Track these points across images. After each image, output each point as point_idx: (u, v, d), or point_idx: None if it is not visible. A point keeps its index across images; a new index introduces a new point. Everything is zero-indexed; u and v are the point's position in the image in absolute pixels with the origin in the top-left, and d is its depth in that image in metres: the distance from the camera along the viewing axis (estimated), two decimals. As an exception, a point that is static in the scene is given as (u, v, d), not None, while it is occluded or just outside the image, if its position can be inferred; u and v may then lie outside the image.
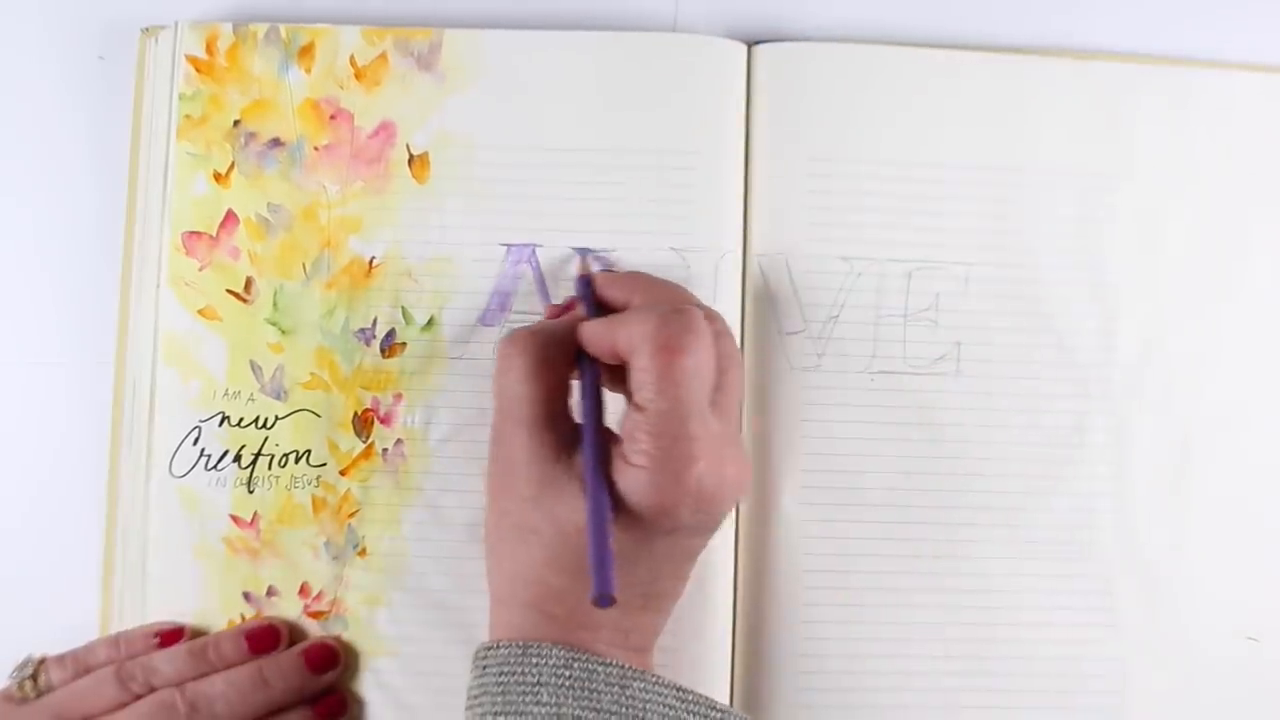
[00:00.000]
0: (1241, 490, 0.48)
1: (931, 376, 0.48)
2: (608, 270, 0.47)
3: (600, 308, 0.43)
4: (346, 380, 0.48)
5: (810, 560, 0.47)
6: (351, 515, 0.48)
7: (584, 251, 0.48)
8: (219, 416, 0.48)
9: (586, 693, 0.37)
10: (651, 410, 0.37)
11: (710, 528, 0.39)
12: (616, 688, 0.38)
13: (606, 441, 0.39)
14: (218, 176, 0.48)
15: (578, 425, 0.40)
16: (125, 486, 0.48)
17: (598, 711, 0.37)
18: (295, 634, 0.47)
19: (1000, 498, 0.48)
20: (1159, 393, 0.48)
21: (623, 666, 0.38)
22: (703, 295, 0.47)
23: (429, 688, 0.47)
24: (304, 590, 0.47)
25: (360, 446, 0.48)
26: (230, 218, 0.48)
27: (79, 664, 0.46)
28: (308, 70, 0.48)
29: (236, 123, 0.48)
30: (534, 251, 0.48)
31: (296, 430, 0.48)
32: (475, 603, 0.47)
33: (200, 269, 0.48)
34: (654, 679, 0.38)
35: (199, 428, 0.48)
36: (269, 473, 0.48)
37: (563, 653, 0.38)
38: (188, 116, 0.48)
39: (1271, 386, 0.49)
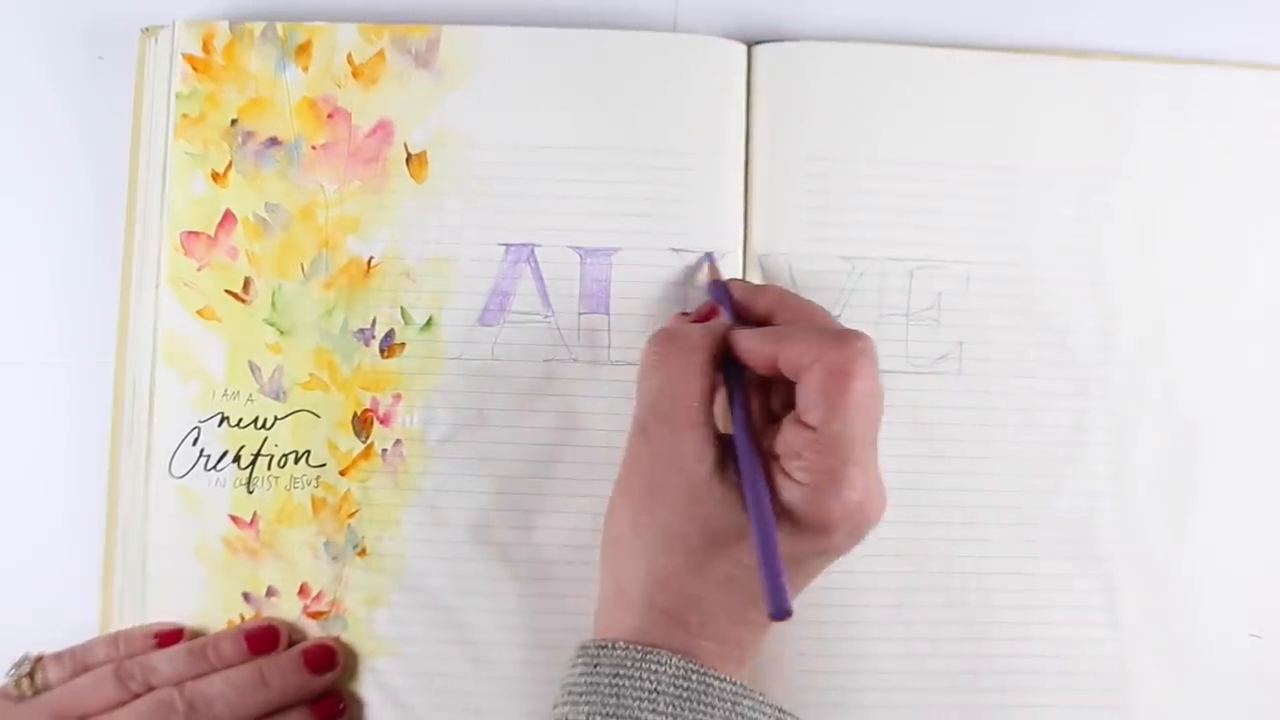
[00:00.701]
0: (1242, 488, 0.48)
1: (934, 375, 0.48)
2: (739, 280, 0.47)
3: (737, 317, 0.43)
4: (345, 381, 0.48)
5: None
6: (351, 516, 0.48)
7: (709, 257, 0.47)
8: (218, 417, 0.48)
9: (702, 706, 0.37)
10: (824, 431, 0.37)
11: (847, 550, 0.40)
12: (729, 704, 0.38)
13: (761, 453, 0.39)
14: (215, 176, 0.48)
15: (724, 435, 0.40)
16: (125, 487, 0.48)
17: None
18: (295, 635, 0.47)
19: (1001, 496, 0.48)
20: (1159, 391, 0.48)
21: (735, 683, 0.38)
22: (702, 296, 0.47)
23: (429, 688, 0.47)
24: (303, 591, 0.47)
25: (359, 447, 0.48)
26: (228, 217, 0.48)
27: (77, 662, 0.46)
28: (305, 68, 0.48)
29: (234, 122, 0.48)
30: (533, 251, 0.48)
31: (296, 431, 0.48)
32: (475, 603, 0.47)
33: (199, 269, 0.48)
34: (760, 697, 0.39)
35: (198, 428, 0.47)
36: (268, 473, 0.48)
37: (681, 663, 0.38)
38: (185, 115, 0.48)
39: (1271, 384, 0.49)
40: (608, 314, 0.48)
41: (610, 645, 0.39)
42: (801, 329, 0.40)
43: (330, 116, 0.48)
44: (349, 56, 0.48)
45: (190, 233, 0.48)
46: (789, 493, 0.38)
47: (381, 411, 0.48)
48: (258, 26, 0.48)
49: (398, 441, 0.48)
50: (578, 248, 0.48)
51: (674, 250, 0.47)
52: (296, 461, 0.48)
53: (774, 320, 0.42)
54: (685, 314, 0.46)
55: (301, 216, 0.48)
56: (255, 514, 0.47)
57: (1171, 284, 0.49)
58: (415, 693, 0.47)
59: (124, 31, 0.50)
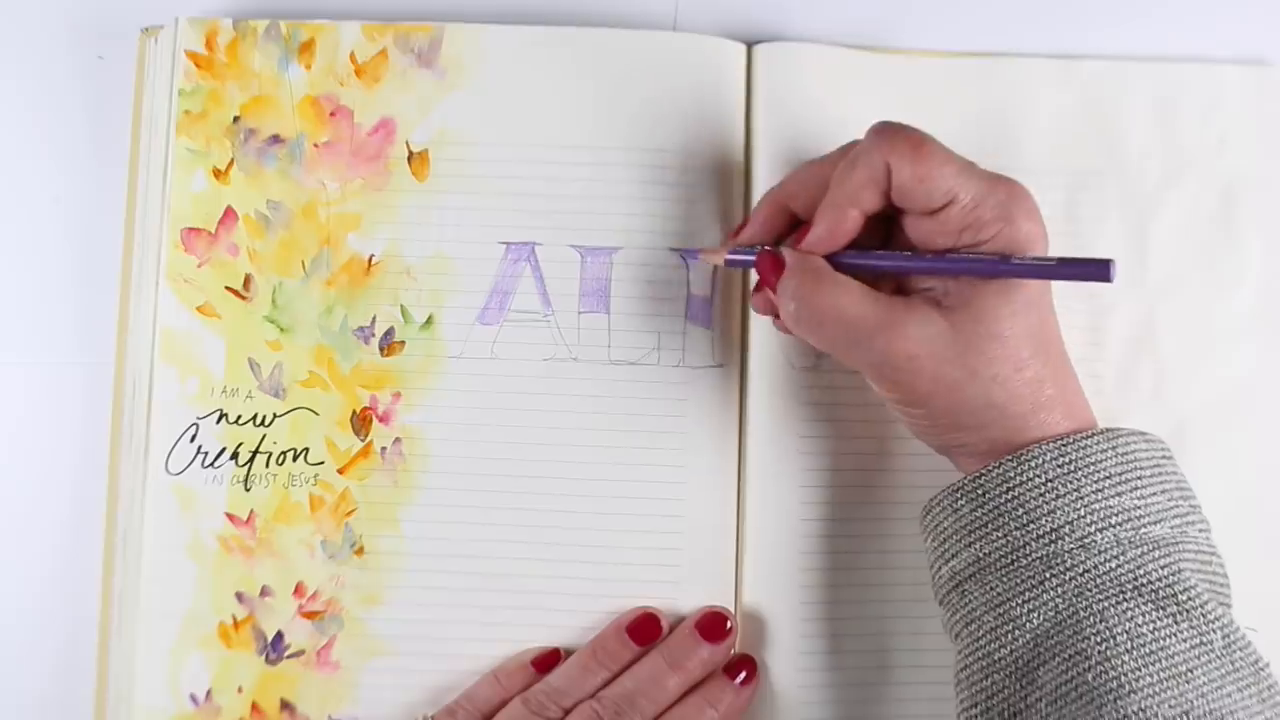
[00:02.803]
0: (1234, 483, 0.48)
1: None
2: (738, 231, 0.46)
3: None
4: (345, 378, 0.48)
5: (813, 558, 0.47)
6: (349, 514, 0.47)
7: (693, 254, 0.48)
8: (217, 414, 0.47)
9: (1090, 468, 0.38)
10: (961, 189, 0.39)
11: None
12: (1110, 451, 0.38)
13: None
14: (217, 173, 0.48)
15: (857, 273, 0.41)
16: (124, 484, 0.48)
17: (1108, 479, 0.38)
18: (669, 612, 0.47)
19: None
20: (1149, 389, 0.49)
21: (1103, 430, 0.39)
22: (703, 295, 0.47)
23: (426, 687, 0.47)
24: (299, 590, 0.47)
25: (358, 445, 0.48)
26: (229, 214, 0.48)
27: (470, 711, 0.45)
28: (308, 66, 0.48)
29: (236, 119, 0.48)
30: (533, 250, 0.48)
31: (294, 428, 0.47)
32: (473, 602, 0.47)
33: (199, 266, 0.48)
34: (1124, 431, 0.39)
35: (196, 425, 0.47)
36: (266, 471, 0.47)
37: (1054, 445, 0.38)
38: (187, 112, 0.48)
39: (1260, 380, 0.49)
40: (608, 313, 0.48)
41: (986, 471, 0.39)
42: (841, 179, 0.41)
43: (333, 115, 0.48)
44: (352, 55, 0.48)
45: (191, 229, 0.48)
46: (991, 247, 0.39)
47: (381, 410, 0.48)
48: (261, 24, 0.48)
49: (397, 440, 0.47)
50: (578, 247, 0.48)
51: (675, 250, 0.48)
52: (295, 459, 0.47)
53: (798, 212, 0.43)
54: (756, 290, 0.45)
55: (303, 214, 0.48)
56: (252, 512, 0.47)
57: (1161, 282, 0.49)
58: (412, 692, 0.47)
59: (124, 31, 0.50)
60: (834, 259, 0.41)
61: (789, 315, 0.41)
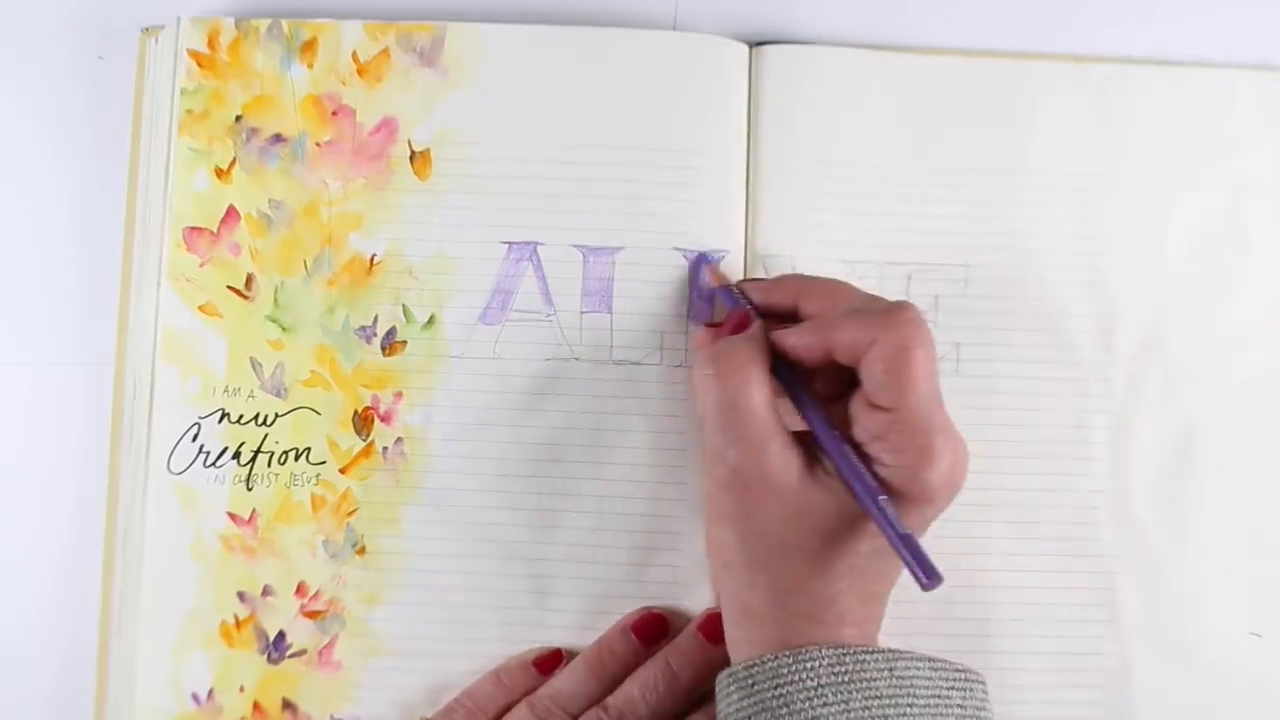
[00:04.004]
0: (1243, 487, 0.48)
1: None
2: (751, 281, 0.47)
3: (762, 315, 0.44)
4: (347, 378, 0.48)
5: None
6: (351, 514, 0.47)
7: (706, 258, 0.47)
8: (219, 413, 0.47)
9: (864, 683, 0.38)
10: (900, 410, 0.38)
11: (946, 507, 0.40)
12: (886, 671, 0.38)
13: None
14: (219, 172, 0.48)
15: (797, 432, 0.41)
16: (124, 484, 0.48)
17: (879, 699, 0.37)
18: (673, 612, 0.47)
19: (1001, 495, 0.48)
20: (1159, 392, 0.49)
21: (885, 650, 0.39)
22: (704, 295, 0.47)
23: (427, 687, 0.47)
24: (301, 590, 0.47)
25: (360, 445, 0.48)
26: (231, 214, 0.48)
27: (471, 710, 0.45)
28: (310, 66, 0.48)
29: (238, 118, 0.48)
30: (535, 249, 0.48)
31: (296, 428, 0.47)
32: (474, 601, 0.47)
33: (201, 265, 0.48)
34: (910, 655, 0.39)
35: (198, 424, 0.47)
36: (268, 470, 0.47)
37: (832, 652, 0.38)
38: (189, 111, 0.48)
39: (1270, 384, 0.49)
40: (610, 313, 0.48)
41: (760, 661, 0.39)
42: (845, 315, 0.40)
43: (335, 114, 0.48)
44: (354, 54, 0.48)
45: (193, 228, 0.48)
46: (884, 473, 0.39)
47: (382, 409, 0.48)
48: (263, 23, 0.48)
49: (398, 440, 0.47)
50: (580, 246, 0.48)
51: (676, 250, 0.48)
52: (297, 459, 0.47)
53: (802, 308, 0.43)
54: (713, 324, 0.46)
55: (305, 213, 0.48)
56: (254, 511, 0.47)
57: (1171, 285, 0.49)
58: (414, 692, 0.47)
59: (124, 31, 0.50)
60: (777, 360, 0.42)
61: (701, 371, 0.41)
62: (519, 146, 0.48)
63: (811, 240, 0.48)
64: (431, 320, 0.48)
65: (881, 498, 0.38)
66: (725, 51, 0.49)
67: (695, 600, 0.47)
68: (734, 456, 0.40)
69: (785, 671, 0.38)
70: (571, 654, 0.46)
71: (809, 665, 0.38)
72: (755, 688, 0.38)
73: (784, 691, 0.38)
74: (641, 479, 0.47)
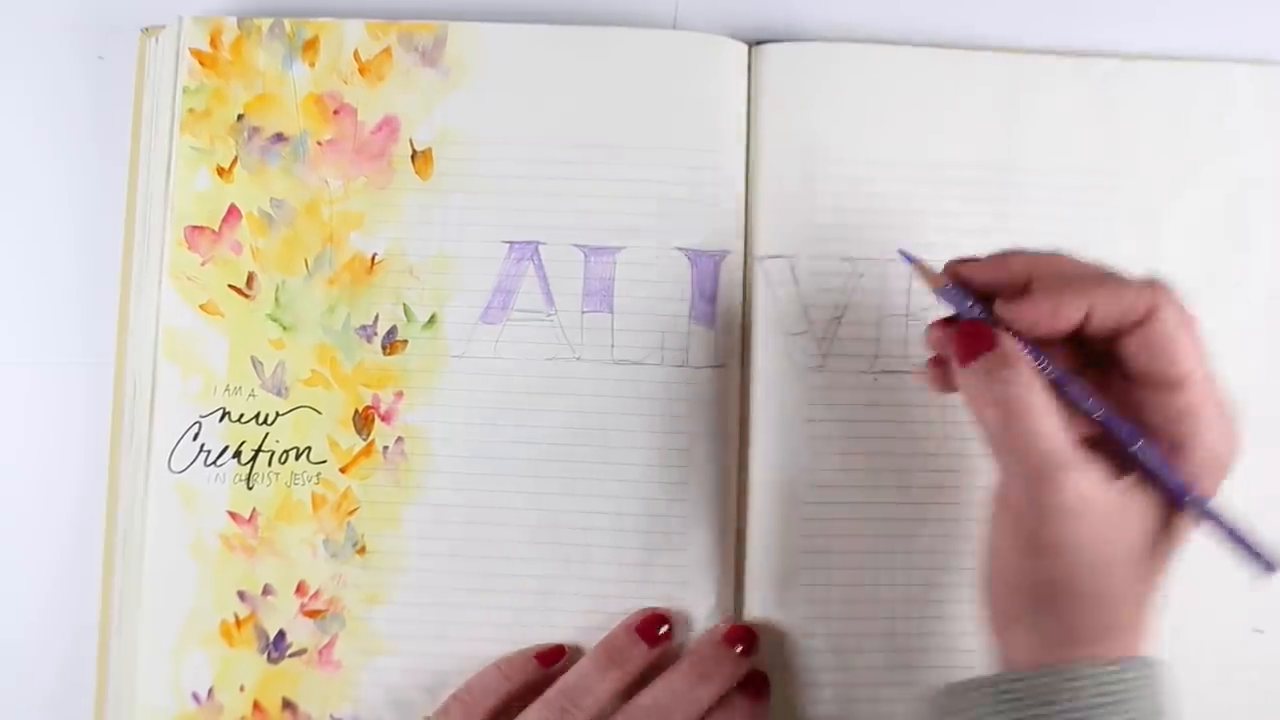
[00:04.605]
0: (1244, 484, 0.48)
1: (933, 376, 0.48)
2: (969, 261, 0.40)
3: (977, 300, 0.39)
4: (347, 377, 0.48)
5: (816, 559, 0.47)
6: (351, 513, 0.47)
7: (907, 258, 0.42)
8: (219, 412, 0.47)
9: (1130, 703, 0.36)
10: (1195, 379, 0.35)
11: None
12: (1149, 687, 0.37)
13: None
14: (221, 171, 0.48)
15: (1082, 438, 0.37)
16: (125, 484, 0.48)
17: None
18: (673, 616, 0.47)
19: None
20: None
21: (1151, 663, 0.37)
22: (703, 295, 0.47)
23: (428, 686, 0.47)
24: (301, 589, 0.47)
25: (361, 444, 0.47)
26: (233, 212, 0.48)
27: (469, 705, 0.45)
28: (311, 65, 0.48)
29: (240, 117, 0.48)
30: (537, 249, 0.48)
31: (297, 427, 0.47)
32: (475, 601, 0.47)
33: (202, 264, 0.48)
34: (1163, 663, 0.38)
35: (199, 423, 0.47)
36: (269, 469, 0.47)
37: (1102, 668, 0.36)
38: (191, 110, 0.48)
39: (1271, 381, 0.49)
40: (611, 312, 0.48)
41: (1027, 677, 0.36)
42: (1106, 280, 0.37)
43: (336, 113, 0.48)
44: (355, 53, 0.48)
45: (194, 227, 0.48)
46: (1195, 463, 0.36)
47: (383, 409, 0.48)
48: (265, 22, 0.48)
49: (399, 439, 0.47)
50: (582, 246, 0.48)
51: (678, 249, 0.48)
52: (297, 458, 0.47)
53: (1036, 282, 0.38)
54: (943, 322, 0.40)
55: (306, 212, 0.48)
56: (254, 510, 0.47)
57: (1172, 282, 0.49)
58: (414, 691, 0.47)
59: (124, 31, 0.50)
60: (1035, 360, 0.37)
61: (976, 403, 0.37)
62: (520, 146, 0.48)
63: (812, 239, 0.48)
64: (432, 320, 0.48)
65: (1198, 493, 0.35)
66: (725, 51, 0.49)
67: (696, 600, 0.47)
68: (1030, 488, 0.36)
69: (1059, 687, 0.36)
70: (576, 650, 0.46)
71: (1076, 685, 0.36)
72: (1023, 703, 0.37)
73: (1050, 712, 0.36)
74: (642, 479, 0.47)
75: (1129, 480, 0.36)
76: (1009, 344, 0.37)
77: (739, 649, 0.45)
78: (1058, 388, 0.37)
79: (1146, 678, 0.37)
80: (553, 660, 0.46)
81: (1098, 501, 0.35)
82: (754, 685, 0.46)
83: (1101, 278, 0.37)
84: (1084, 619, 0.36)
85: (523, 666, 0.46)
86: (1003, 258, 0.39)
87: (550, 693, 0.44)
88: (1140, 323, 0.36)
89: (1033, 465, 0.35)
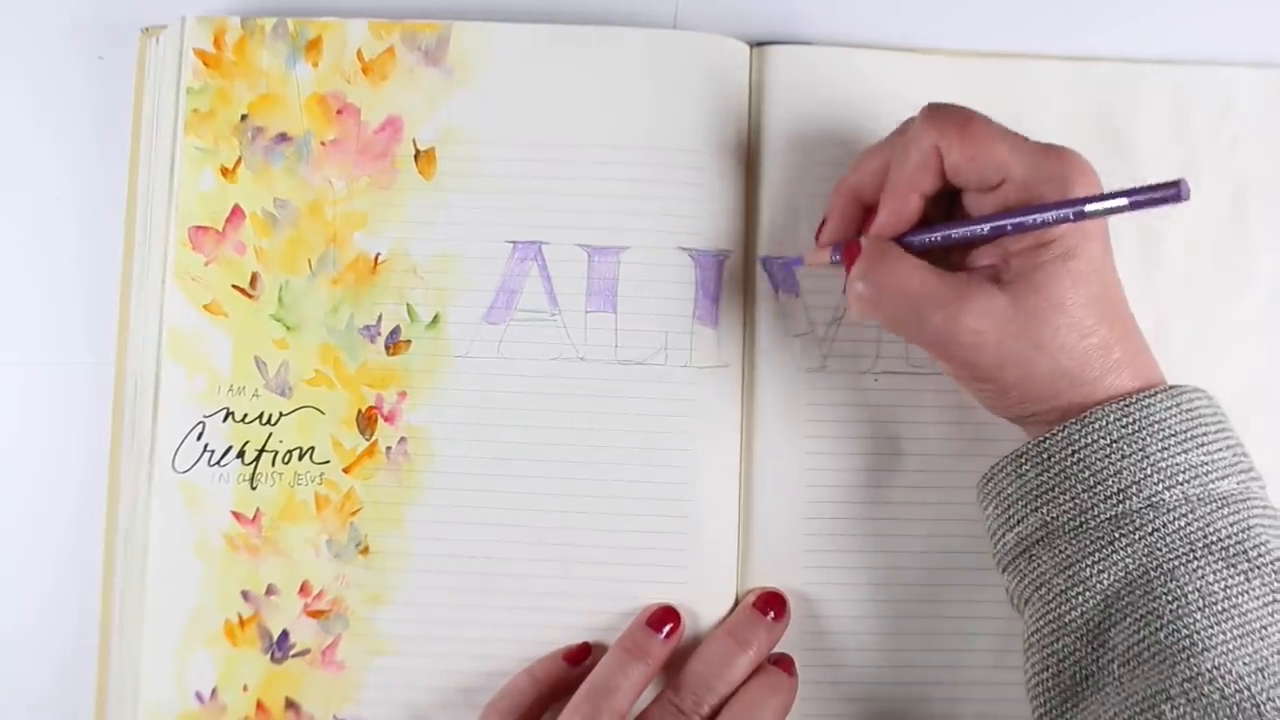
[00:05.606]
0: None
1: (934, 376, 0.48)
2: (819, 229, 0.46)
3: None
4: (351, 377, 0.48)
5: (818, 558, 0.47)
6: (354, 513, 0.47)
7: (793, 263, 0.48)
8: (223, 412, 0.47)
9: (1155, 425, 0.38)
10: (1010, 167, 0.39)
11: None
12: (1174, 408, 0.39)
13: None
14: (224, 171, 0.48)
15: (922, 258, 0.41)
16: (126, 484, 0.48)
17: (1173, 436, 0.38)
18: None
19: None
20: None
21: (1167, 387, 0.40)
22: (706, 294, 0.48)
23: (431, 686, 0.47)
24: (304, 589, 0.47)
25: (364, 444, 0.47)
26: (236, 213, 0.48)
27: (505, 711, 0.45)
28: (315, 64, 0.48)
29: (244, 117, 0.48)
30: (540, 249, 0.48)
31: (300, 427, 0.47)
32: (477, 601, 0.47)
33: (206, 264, 0.48)
34: (1189, 389, 0.40)
35: (203, 423, 0.47)
36: (272, 469, 0.47)
37: (1116, 406, 0.38)
38: (195, 111, 0.48)
39: (1273, 380, 0.49)
40: (615, 312, 0.48)
41: (1050, 435, 0.39)
42: (898, 148, 0.41)
43: (339, 112, 0.48)
44: (359, 53, 0.48)
45: (198, 227, 0.48)
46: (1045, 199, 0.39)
47: (386, 409, 0.48)
48: (269, 22, 0.48)
49: (402, 439, 0.47)
50: (585, 246, 0.48)
51: (680, 249, 0.48)
52: (301, 458, 0.47)
53: (870, 189, 0.43)
54: (819, 234, 0.45)
55: (309, 212, 0.48)
56: (258, 510, 0.47)
57: (1173, 282, 0.49)
58: (417, 691, 0.47)
59: (124, 31, 0.50)
60: (903, 241, 0.41)
61: (856, 296, 0.41)
62: (524, 146, 0.48)
63: (813, 240, 0.48)
64: (436, 319, 0.48)
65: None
66: (726, 51, 0.49)
67: (697, 599, 0.47)
68: (943, 332, 0.39)
69: (1077, 437, 0.38)
70: (600, 647, 0.46)
71: (1099, 424, 0.38)
72: (1050, 459, 0.39)
73: (1081, 456, 0.38)
74: (645, 479, 0.47)
75: (1016, 267, 0.39)
76: (865, 243, 0.41)
77: (770, 615, 0.46)
78: (943, 244, 0.41)
79: (1174, 399, 0.39)
80: (580, 658, 0.46)
81: (995, 293, 0.39)
82: (783, 662, 0.46)
83: (898, 162, 0.41)
84: (1074, 384, 0.39)
85: (551, 667, 0.46)
86: (833, 203, 0.44)
87: (577, 697, 0.44)
88: (940, 165, 0.40)
89: (928, 307, 0.39)
